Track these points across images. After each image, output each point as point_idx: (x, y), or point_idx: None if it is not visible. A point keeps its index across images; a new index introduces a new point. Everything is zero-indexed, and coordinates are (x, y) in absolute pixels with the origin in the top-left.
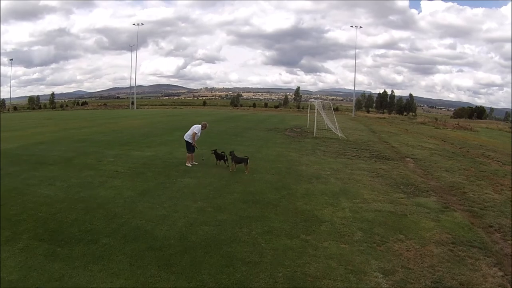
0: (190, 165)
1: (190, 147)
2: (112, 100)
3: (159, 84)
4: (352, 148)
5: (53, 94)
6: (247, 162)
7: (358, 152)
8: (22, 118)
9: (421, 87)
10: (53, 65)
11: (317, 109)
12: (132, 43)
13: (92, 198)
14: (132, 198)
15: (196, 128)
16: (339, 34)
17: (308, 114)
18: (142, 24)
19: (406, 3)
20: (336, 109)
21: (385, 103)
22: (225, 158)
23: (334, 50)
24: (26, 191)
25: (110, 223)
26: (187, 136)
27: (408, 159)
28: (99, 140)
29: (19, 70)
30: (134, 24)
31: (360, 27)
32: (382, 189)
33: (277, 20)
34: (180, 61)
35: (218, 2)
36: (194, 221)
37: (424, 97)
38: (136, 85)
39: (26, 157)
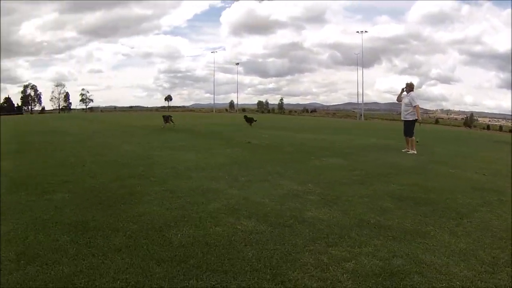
0: (410, 153)
1: (409, 128)
2: (344, 111)
3: (394, 103)
4: None
5: (281, 99)
6: None
7: None
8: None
9: None
10: (288, 77)
11: None
12: (365, 59)
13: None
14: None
15: (413, 97)
16: None
17: None
18: (366, 31)
19: None
20: None
21: None
22: None
23: None
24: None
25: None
26: (405, 114)
27: None
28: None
29: (255, 79)
30: (357, 32)
31: None
32: None
33: (510, 39)
34: (414, 80)
35: (447, 19)
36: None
37: None
38: (371, 101)
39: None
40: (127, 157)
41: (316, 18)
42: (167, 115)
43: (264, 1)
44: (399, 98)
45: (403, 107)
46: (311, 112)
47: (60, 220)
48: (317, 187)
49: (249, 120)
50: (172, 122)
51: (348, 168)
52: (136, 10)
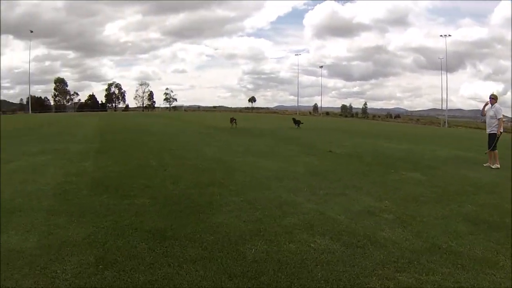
0: (494, 167)
1: (494, 141)
2: (428, 117)
3: (479, 110)
4: None
5: (365, 103)
6: None
7: None
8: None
9: None
10: (373, 81)
11: None
12: (449, 63)
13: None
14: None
15: (498, 109)
16: None
17: None
18: (449, 35)
19: None
20: None
21: None
22: None
23: None
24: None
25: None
26: (491, 127)
27: None
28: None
29: (338, 82)
30: (441, 35)
31: None
32: None
33: None
34: (499, 87)
35: None
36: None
37: None
38: (456, 108)
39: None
40: (208, 161)
41: (399, 21)
42: (233, 117)
43: (347, 3)
44: (483, 113)
45: (488, 120)
46: (395, 117)
47: (139, 227)
48: (393, 205)
49: (297, 123)
50: (235, 124)
51: (426, 184)
52: (219, 12)
